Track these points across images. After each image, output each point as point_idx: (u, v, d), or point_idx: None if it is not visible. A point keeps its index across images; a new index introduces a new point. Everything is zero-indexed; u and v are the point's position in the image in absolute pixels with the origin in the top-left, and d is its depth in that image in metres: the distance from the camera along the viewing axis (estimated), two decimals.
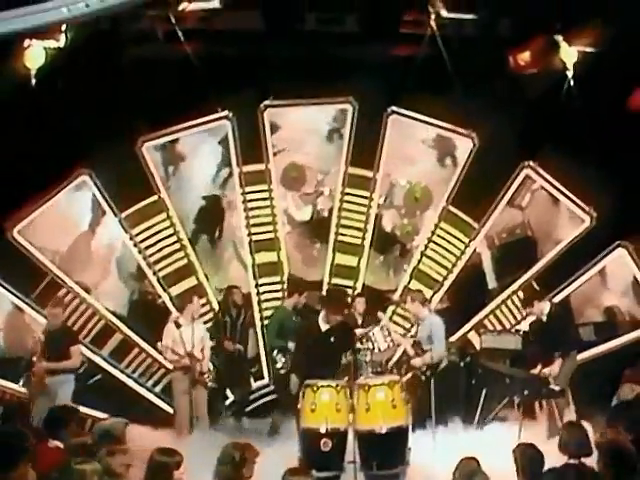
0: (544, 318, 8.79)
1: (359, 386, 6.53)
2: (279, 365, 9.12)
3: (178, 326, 8.75)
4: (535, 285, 10.42)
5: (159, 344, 9.06)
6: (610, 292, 10.54)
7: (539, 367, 8.64)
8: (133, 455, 5.29)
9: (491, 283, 11.01)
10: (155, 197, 10.20)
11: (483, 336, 9.88)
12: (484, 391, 9.10)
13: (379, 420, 6.38)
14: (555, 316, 8.73)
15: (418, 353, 8.39)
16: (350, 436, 6.50)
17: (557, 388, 8.48)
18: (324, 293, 8.57)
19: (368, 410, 6.38)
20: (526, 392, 8.46)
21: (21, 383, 9.01)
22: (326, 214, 11.01)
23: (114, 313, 10.20)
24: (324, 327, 7.32)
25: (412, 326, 9.93)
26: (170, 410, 9.59)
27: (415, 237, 11.03)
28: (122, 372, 10.20)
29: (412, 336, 9.42)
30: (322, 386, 6.53)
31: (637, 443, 5.14)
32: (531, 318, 9.44)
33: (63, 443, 6.25)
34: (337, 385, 6.58)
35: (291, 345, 8.87)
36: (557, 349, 8.69)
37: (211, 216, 10.69)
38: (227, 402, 9.84)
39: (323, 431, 6.39)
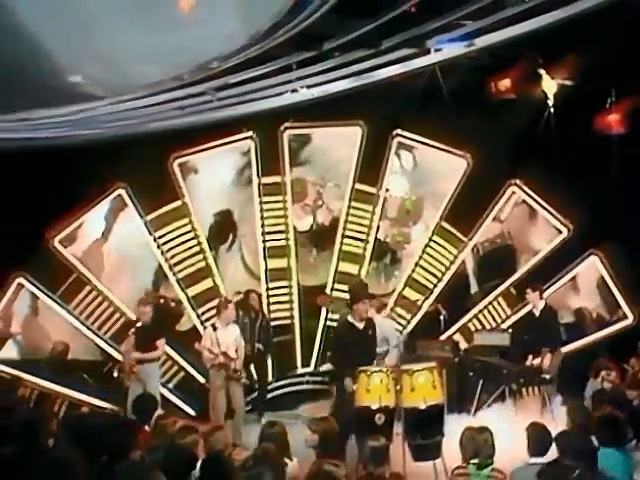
0: (537, 312, 10.49)
1: (404, 371, 8.12)
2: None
3: (215, 329, 10.11)
4: (513, 290, 12.11)
5: (197, 344, 10.40)
6: (579, 295, 12.33)
7: (530, 359, 10.35)
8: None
9: (473, 288, 12.70)
10: (179, 202, 11.47)
11: (475, 334, 11.55)
12: (481, 382, 10.71)
13: (421, 398, 7.93)
14: (547, 314, 10.47)
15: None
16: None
17: (548, 377, 10.21)
18: (350, 287, 10.02)
19: (413, 390, 7.96)
20: (522, 380, 10.17)
21: (115, 374, 10.17)
22: (327, 224, 12.47)
23: None
24: (360, 325, 8.68)
25: None
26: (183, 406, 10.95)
27: (406, 246, 12.63)
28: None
29: None
30: (374, 371, 8.12)
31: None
32: (520, 314, 11.21)
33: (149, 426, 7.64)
34: (386, 370, 8.14)
35: None
36: (546, 343, 10.40)
37: (223, 229, 11.97)
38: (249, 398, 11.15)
39: (375, 408, 7.91)
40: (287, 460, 6.43)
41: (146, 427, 7.65)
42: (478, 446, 6.33)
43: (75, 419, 8.10)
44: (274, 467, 5.92)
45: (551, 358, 10.32)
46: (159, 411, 8.34)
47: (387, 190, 12.25)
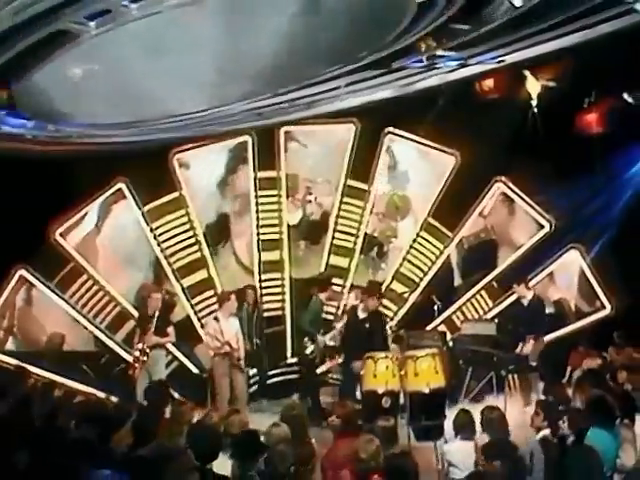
0: (525, 302, 11.17)
1: (408, 357, 8.75)
2: (308, 351, 11.12)
3: (217, 320, 10.63)
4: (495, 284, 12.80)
5: (203, 333, 10.93)
6: (557, 288, 13.07)
7: (520, 346, 11.02)
8: None
9: (457, 281, 13.38)
10: (177, 194, 11.96)
11: (463, 324, 12.22)
12: (470, 369, 11.37)
13: (425, 383, 8.57)
14: (535, 303, 11.16)
15: None
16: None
17: (534, 364, 10.91)
18: (365, 285, 10.53)
19: (416, 375, 8.59)
20: (511, 367, 10.85)
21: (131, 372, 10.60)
22: (316, 219, 13.02)
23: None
24: (362, 315, 9.35)
25: None
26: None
27: (393, 240, 13.25)
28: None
29: None
30: (380, 357, 8.73)
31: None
32: (502, 306, 11.91)
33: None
34: (392, 357, 8.77)
35: (320, 337, 10.92)
36: (532, 331, 11.08)
37: (218, 230, 12.49)
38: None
39: (381, 392, 8.54)
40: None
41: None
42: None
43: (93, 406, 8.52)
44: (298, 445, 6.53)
45: (534, 345, 10.98)
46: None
47: (377, 186, 12.83)
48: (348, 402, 7.60)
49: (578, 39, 6.35)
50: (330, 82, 7.63)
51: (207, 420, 7.85)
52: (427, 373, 8.69)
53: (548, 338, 11.96)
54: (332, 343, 11.33)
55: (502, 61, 7.87)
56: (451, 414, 7.59)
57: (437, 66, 7.38)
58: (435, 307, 11.92)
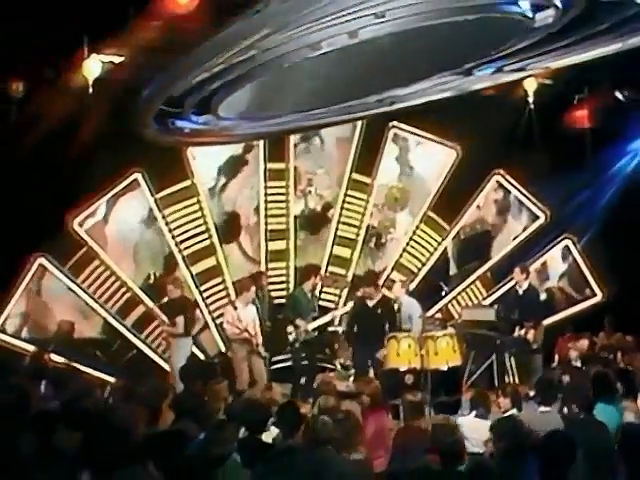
0: (520, 291, 11.91)
1: (428, 337, 9.46)
2: (291, 338, 11.78)
3: (235, 308, 11.26)
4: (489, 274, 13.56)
5: (224, 320, 11.54)
6: (552, 276, 13.87)
7: (517, 331, 11.75)
8: None
9: (452, 270, 14.11)
10: (188, 182, 12.51)
11: (463, 310, 12.94)
12: (472, 354, 12.06)
13: (444, 361, 9.28)
14: (530, 292, 11.92)
15: None
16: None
17: (535, 347, 11.67)
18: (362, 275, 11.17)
19: (436, 354, 9.30)
20: (514, 350, 11.59)
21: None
22: (318, 209, 13.66)
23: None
24: (370, 303, 10.06)
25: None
26: None
27: (392, 230, 13.93)
28: (142, 342, 12.34)
29: None
30: (403, 337, 9.42)
31: None
32: (501, 291, 12.66)
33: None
34: (413, 336, 9.47)
35: (299, 321, 11.59)
36: (529, 318, 11.81)
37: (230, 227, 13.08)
38: None
39: (404, 369, 9.23)
40: None
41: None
42: None
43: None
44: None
45: (535, 331, 11.73)
46: None
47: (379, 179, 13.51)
48: (373, 379, 8.20)
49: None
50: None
51: (250, 395, 8.41)
52: (446, 352, 9.43)
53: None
54: (311, 328, 11.94)
55: (548, 67, 8.35)
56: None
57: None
58: (443, 292, 12.57)
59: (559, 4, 6.16)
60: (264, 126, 9.52)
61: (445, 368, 9.42)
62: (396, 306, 11.18)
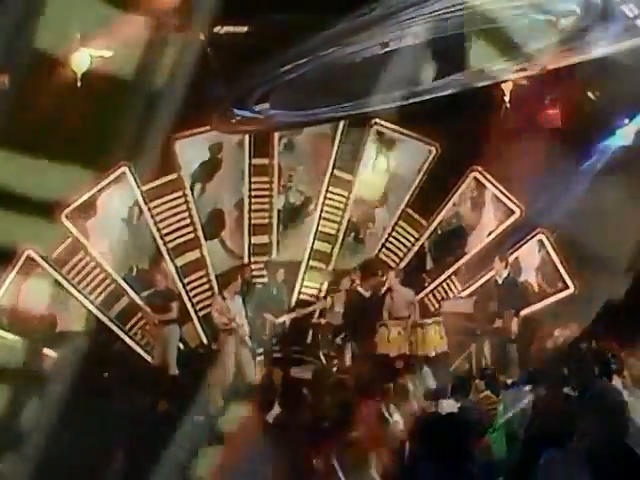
0: (500, 280, 12.38)
1: (417, 325, 9.91)
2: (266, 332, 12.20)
3: (224, 298, 11.55)
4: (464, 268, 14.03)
5: (211, 310, 11.81)
6: (526, 269, 14.37)
7: (497, 322, 12.24)
8: None
9: (429, 264, 14.57)
10: (175, 175, 12.80)
11: (443, 302, 13.39)
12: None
13: (432, 347, 9.74)
14: (509, 282, 12.42)
15: None
16: None
17: (514, 337, 12.17)
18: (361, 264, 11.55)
19: (424, 341, 9.75)
20: (493, 339, 12.07)
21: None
22: (297, 204, 14.03)
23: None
24: (366, 294, 10.46)
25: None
26: None
27: (370, 225, 14.35)
28: (126, 333, 12.55)
29: None
30: (393, 325, 9.84)
31: None
32: (478, 284, 13.14)
33: None
34: (402, 324, 9.92)
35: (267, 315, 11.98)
36: (508, 308, 12.31)
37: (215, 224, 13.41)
38: None
39: (394, 355, 9.67)
40: None
41: None
42: None
43: None
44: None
45: (514, 321, 12.24)
46: None
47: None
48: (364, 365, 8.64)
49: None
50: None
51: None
52: (434, 339, 9.88)
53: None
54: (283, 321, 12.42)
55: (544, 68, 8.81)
56: None
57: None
58: (425, 284, 13.02)
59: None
60: (301, 116, 9.85)
61: (433, 354, 9.84)
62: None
